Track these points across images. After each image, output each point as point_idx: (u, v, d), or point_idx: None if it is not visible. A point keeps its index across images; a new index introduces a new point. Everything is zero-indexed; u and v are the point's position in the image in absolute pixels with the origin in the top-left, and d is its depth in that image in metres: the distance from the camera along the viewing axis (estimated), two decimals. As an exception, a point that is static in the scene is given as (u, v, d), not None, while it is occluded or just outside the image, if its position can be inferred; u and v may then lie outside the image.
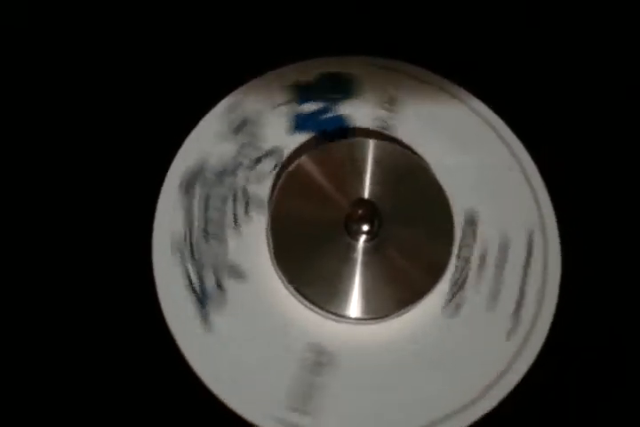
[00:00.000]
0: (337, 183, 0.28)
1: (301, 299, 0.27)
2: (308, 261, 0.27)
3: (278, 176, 0.29)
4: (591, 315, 0.30)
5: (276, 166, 0.30)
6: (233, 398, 0.27)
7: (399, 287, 0.28)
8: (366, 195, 0.28)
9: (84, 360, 0.29)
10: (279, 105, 0.31)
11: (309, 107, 0.31)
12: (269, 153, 0.30)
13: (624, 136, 0.33)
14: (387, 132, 0.31)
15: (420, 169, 0.29)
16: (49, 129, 0.31)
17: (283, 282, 0.28)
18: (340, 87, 0.31)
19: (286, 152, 0.30)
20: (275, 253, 0.28)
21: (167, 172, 0.30)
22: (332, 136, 0.30)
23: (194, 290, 0.28)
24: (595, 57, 0.34)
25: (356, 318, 0.27)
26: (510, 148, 0.31)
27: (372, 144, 0.29)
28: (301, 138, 0.30)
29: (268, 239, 0.28)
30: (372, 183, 0.28)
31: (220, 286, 0.28)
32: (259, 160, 0.30)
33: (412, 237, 0.28)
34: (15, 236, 0.30)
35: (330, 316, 0.27)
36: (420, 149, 0.30)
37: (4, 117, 0.31)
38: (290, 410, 0.27)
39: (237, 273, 0.29)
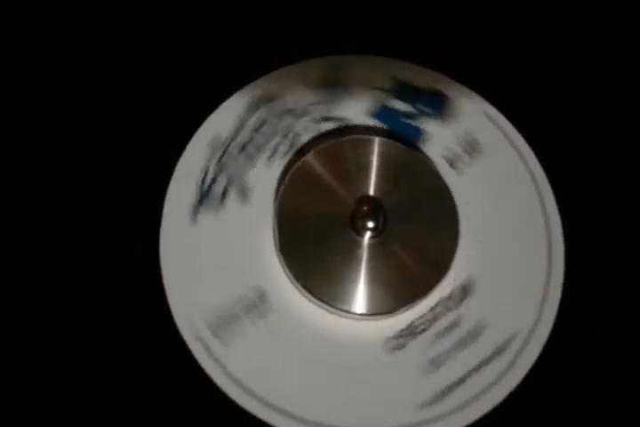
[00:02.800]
0: (342, 180, 0.28)
1: (307, 294, 0.27)
2: (313, 257, 0.28)
3: (284, 173, 0.30)
4: (592, 323, 0.31)
5: (336, 131, 0.31)
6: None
7: (404, 284, 0.28)
8: (371, 192, 0.28)
9: (88, 346, 0.29)
10: (376, 88, 0.31)
11: (400, 105, 0.31)
12: (338, 119, 0.31)
13: (632, 137, 0.33)
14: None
15: (424, 166, 0.29)
16: (54, 128, 0.31)
17: (289, 277, 0.28)
18: (436, 105, 0.31)
19: (352, 124, 0.31)
20: (281, 249, 0.28)
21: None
22: (340, 133, 0.30)
23: (202, 184, 0.29)
24: (602, 56, 0.34)
25: (361, 314, 0.27)
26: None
27: (377, 141, 0.29)
28: (372, 122, 0.31)
29: (274, 236, 0.28)
30: (377, 180, 0.29)
31: (224, 194, 0.29)
32: (326, 119, 0.31)
33: (417, 234, 0.28)
34: (16, 234, 0.30)
35: (335, 311, 0.27)
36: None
37: (10, 120, 0.31)
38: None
39: (244, 194, 0.29)
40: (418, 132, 0.31)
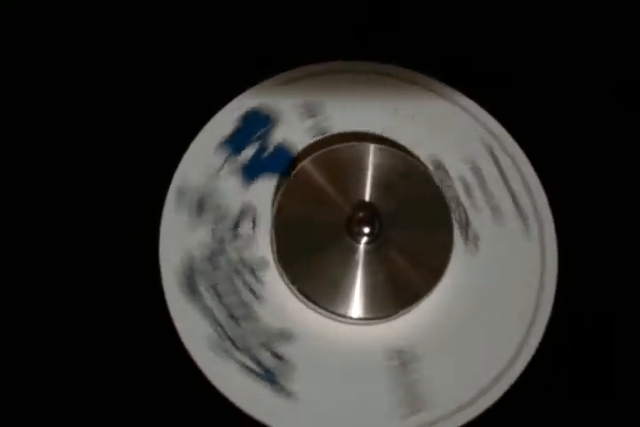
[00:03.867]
0: (338, 186, 0.29)
1: (304, 300, 0.28)
2: (310, 262, 0.28)
3: (281, 179, 0.30)
4: (588, 308, 0.31)
5: (254, 224, 0.30)
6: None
7: (400, 288, 0.28)
8: (367, 197, 0.29)
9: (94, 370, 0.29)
10: (220, 169, 0.30)
11: (247, 153, 0.30)
12: (241, 215, 0.30)
13: (620, 136, 0.34)
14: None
15: (418, 172, 0.29)
16: (54, 129, 0.32)
17: (286, 283, 0.28)
18: (259, 122, 0.31)
19: (255, 205, 0.30)
20: (278, 254, 0.28)
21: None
22: (335, 140, 0.31)
23: (257, 374, 0.28)
24: (589, 57, 0.34)
25: (357, 319, 0.28)
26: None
27: (372, 148, 0.29)
28: (260, 185, 0.30)
29: (271, 241, 0.28)
30: (373, 186, 0.29)
31: (277, 356, 0.28)
32: (236, 227, 0.29)
33: (412, 239, 0.29)
34: (18, 231, 0.30)
35: (332, 316, 0.28)
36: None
37: (11, 120, 0.32)
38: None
39: (285, 336, 0.29)
40: (282, 150, 0.31)
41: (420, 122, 0.31)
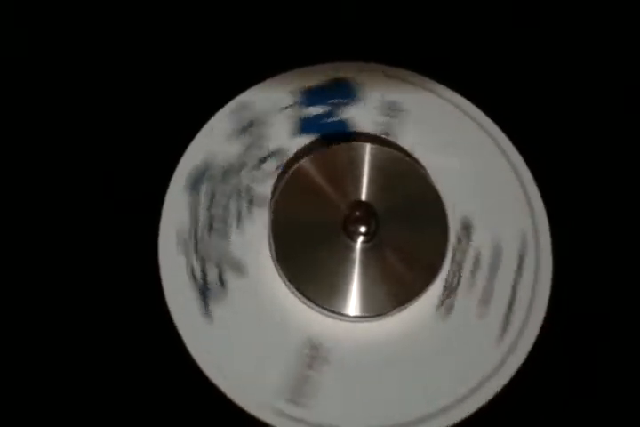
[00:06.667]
0: (335, 186, 0.29)
1: (301, 297, 0.28)
2: (307, 260, 0.28)
3: (279, 178, 0.30)
4: (581, 322, 0.31)
5: (279, 167, 0.31)
6: (231, 388, 0.28)
7: (395, 287, 0.28)
8: (364, 197, 0.29)
9: (89, 351, 0.30)
10: (286, 108, 0.32)
11: (314, 110, 0.32)
12: (273, 154, 0.31)
13: (618, 138, 0.34)
14: (387, 137, 0.32)
15: (415, 172, 0.30)
16: (57, 126, 0.32)
17: (284, 281, 0.29)
18: (345, 92, 0.32)
19: (289, 153, 0.31)
20: (276, 253, 0.28)
21: (174, 169, 0.31)
22: (334, 139, 0.31)
23: (196, 282, 0.29)
24: (587, 58, 0.35)
25: (354, 317, 0.28)
26: (506, 154, 0.32)
27: (369, 148, 0.30)
28: (304, 140, 0.31)
29: (269, 240, 0.29)
30: (370, 186, 0.29)
31: (221, 279, 0.29)
32: (263, 160, 0.31)
33: (408, 239, 0.29)
34: (20, 230, 0.31)
35: (328, 314, 0.28)
36: (417, 154, 0.31)
37: (13, 124, 0.32)
38: (285, 401, 0.28)
39: (238, 268, 0.30)
40: (343, 124, 0.32)
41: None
